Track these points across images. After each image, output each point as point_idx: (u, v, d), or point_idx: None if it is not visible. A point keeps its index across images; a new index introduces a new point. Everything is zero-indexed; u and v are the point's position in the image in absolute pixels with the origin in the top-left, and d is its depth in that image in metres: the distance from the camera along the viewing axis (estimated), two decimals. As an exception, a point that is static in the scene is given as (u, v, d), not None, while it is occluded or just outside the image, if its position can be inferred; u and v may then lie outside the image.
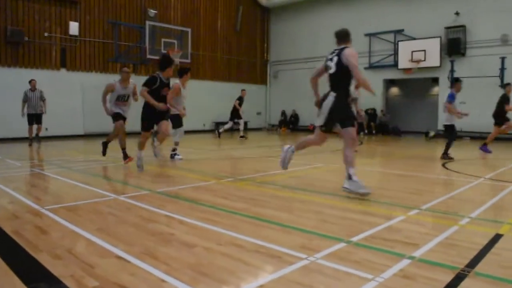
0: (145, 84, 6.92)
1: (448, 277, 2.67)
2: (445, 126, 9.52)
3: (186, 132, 18.82)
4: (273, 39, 23.82)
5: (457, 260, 2.98)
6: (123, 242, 3.35)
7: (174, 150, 9.15)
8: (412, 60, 17.72)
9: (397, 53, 18.44)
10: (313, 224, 3.93)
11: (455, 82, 9.70)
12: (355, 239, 3.44)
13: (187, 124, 19.18)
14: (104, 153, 8.77)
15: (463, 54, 16.85)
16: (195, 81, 20.00)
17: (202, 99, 20.01)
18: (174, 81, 8.34)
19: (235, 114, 15.52)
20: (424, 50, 17.43)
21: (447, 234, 3.61)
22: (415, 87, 19.95)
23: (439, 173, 7.45)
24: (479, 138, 16.20)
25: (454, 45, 16.83)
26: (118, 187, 5.78)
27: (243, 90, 16.37)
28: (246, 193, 5.44)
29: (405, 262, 2.92)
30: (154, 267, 2.81)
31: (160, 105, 6.94)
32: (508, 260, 3.01)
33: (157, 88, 6.96)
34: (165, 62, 7.11)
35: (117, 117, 8.37)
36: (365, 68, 19.64)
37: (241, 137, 15.12)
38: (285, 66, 23.03)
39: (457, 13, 16.92)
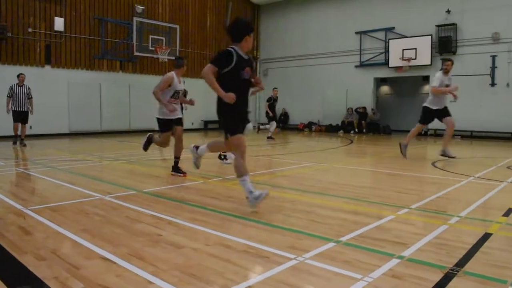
0: (213, 61, 4.39)
1: (437, 277, 2.66)
2: None
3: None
4: (263, 37, 23.78)
5: (446, 259, 2.97)
6: (109, 243, 3.29)
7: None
8: (403, 59, 17.80)
9: (388, 51, 18.51)
10: (302, 224, 3.90)
11: None
12: (344, 238, 3.42)
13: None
14: (145, 148, 7.54)
15: (454, 53, 16.95)
16: (184, 79, 19.89)
17: (191, 97, 19.85)
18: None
19: (269, 116, 15.06)
20: (415, 49, 17.52)
21: (437, 233, 3.61)
22: (405, 86, 20.10)
23: (429, 172, 7.48)
24: (470, 137, 16.39)
25: (445, 43, 16.95)
26: (104, 187, 5.69)
27: (274, 88, 15.85)
28: (234, 192, 5.39)
29: (394, 262, 2.91)
30: (141, 268, 2.76)
31: (230, 96, 4.26)
32: (497, 259, 3.02)
33: (235, 69, 4.35)
34: (242, 28, 4.48)
35: (169, 124, 6.76)
36: (356, 67, 19.73)
37: (269, 137, 14.61)
38: (275, 64, 23.00)
39: (448, 11, 17.03)
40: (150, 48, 17.08)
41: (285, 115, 22.30)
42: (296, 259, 2.93)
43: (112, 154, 9.71)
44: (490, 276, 2.69)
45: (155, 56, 17.29)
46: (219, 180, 6.28)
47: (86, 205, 4.59)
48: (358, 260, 2.93)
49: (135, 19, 16.99)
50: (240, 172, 4.38)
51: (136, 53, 16.83)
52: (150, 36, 17.31)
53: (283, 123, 22.11)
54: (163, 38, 17.73)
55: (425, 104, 8.86)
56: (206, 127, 20.63)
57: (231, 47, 4.47)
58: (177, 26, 18.25)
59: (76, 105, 16.20)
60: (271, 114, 14.93)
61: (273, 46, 23.06)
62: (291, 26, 22.19)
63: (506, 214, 4.30)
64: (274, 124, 15.04)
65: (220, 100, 4.43)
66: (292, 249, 3.15)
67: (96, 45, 16.79)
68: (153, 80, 19.02)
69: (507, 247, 3.41)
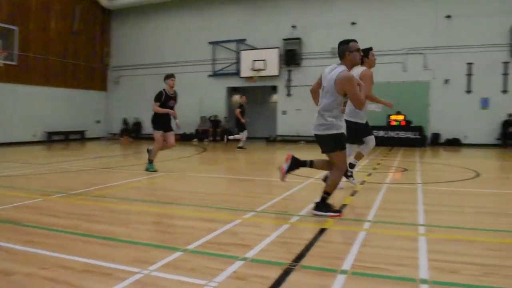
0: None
1: (277, 273, 2.83)
2: None
3: (13, 144, 16.86)
4: (115, 43, 22.77)
5: (285, 256, 3.19)
6: None
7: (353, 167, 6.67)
8: (253, 69, 18.75)
9: (239, 62, 19.31)
10: (149, 235, 3.82)
11: None
12: (191, 246, 3.43)
13: (12, 135, 17.27)
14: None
15: (299, 64, 18.53)
16: (24, 86, 18.02)
17: (32, 106, 18.09)
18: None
19: (240, 125, 14.15)
20: (264, 60, 18.61)
21: (279, 232, 3.85)
22: (256, 95, 21.07)
23: (276, 176, 7.94)
24: (313, 142, 17.96)
25: (291, 56, 18.42)
26: None
27: (242, 96, 15.21)
28: (78, 209, 5.01)
29: (238, 264, 3.02)
30: (-44, 305, 2.39)
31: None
32: (330, 251, 3.35)
33: None
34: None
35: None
36: (209, 76, 20.14)
37: (239, 147, 13.97)
38: (128, 71, 22.20)
39: (293, 27, 18.52)
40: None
41: (137, 124, 21.64)
42: (141, 273, 2.84)
43: None
44: (323, 267, 2.98)
45: (-12, 60, 15.30)
46: (62, 196, 5.76)
47: None
48: (204, 266, 2.97)
49: (-40, 17, 14.82)
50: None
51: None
52: (-18, 38, 15.27)
53: (136, 132, 21.43)
54: (-1, 40, 15.79)
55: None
56: (50, 138, 18.90)
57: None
58: (16, 28, 16.42)
59: None
60: (242, 120, 14.20)
61: (126, 53, 22.24)
62: (145, 34, 21.68)
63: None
64: (245, 133, 14.41)
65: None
66: (137, 262, 3.05)
67: None
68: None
69: (338, 239, 3.82)
